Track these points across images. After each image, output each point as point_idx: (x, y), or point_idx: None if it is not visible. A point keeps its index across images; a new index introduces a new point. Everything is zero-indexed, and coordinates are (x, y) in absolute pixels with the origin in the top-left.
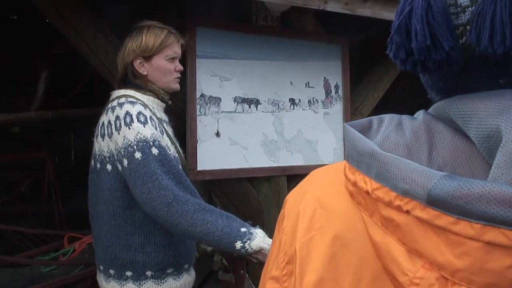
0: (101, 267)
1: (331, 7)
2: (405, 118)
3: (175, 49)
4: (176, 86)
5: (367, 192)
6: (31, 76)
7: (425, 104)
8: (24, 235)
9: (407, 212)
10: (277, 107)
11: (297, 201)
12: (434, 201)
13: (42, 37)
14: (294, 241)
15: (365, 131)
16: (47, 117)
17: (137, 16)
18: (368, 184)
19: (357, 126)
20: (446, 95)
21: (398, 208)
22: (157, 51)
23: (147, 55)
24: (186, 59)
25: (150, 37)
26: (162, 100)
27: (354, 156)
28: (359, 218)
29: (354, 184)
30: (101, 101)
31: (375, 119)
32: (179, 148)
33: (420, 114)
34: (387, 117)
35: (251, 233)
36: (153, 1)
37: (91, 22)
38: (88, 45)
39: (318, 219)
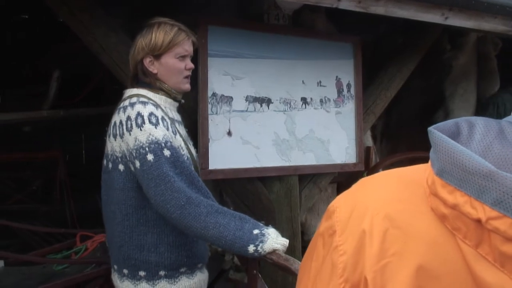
0: (115, 267)
1: (344, 5)
2: (506, 124)
3: (186, 47)
4: (186, 87)
5: (477, 220)
6: (42, 76)
7: (436, 103)
8: (36, 234)
9: None
10: (288, 106)
11: (357, 217)
12: None
13: (54, 37)
14: (361, 267)
15: (453, 137)
16: (59, 115)
17: (149, 14)
18: (479, 210)
19: (444, 132)
20: None
21: None
22: (166, 49)
23: (157, 54)
24: (198, 58)
25: (159, 34)
26: (175, 99)
27: (455, 173)
28: (452, 246)
29: (454, 207)
30: (113, 100)
31: (462, 122)
32: (192, 148)
33: None
34: (479, 122)
35: (263, 235)
36: None
37: (102, 20)
38: (99, 43)
39: (392, 242)
